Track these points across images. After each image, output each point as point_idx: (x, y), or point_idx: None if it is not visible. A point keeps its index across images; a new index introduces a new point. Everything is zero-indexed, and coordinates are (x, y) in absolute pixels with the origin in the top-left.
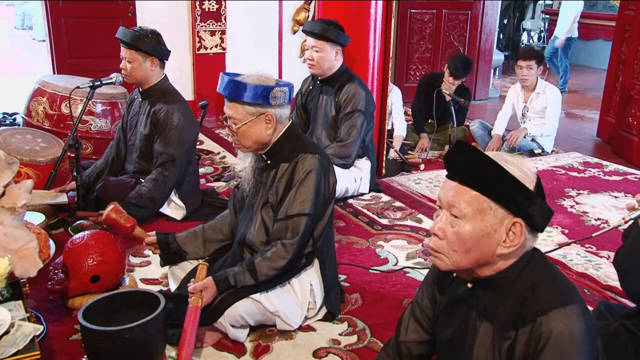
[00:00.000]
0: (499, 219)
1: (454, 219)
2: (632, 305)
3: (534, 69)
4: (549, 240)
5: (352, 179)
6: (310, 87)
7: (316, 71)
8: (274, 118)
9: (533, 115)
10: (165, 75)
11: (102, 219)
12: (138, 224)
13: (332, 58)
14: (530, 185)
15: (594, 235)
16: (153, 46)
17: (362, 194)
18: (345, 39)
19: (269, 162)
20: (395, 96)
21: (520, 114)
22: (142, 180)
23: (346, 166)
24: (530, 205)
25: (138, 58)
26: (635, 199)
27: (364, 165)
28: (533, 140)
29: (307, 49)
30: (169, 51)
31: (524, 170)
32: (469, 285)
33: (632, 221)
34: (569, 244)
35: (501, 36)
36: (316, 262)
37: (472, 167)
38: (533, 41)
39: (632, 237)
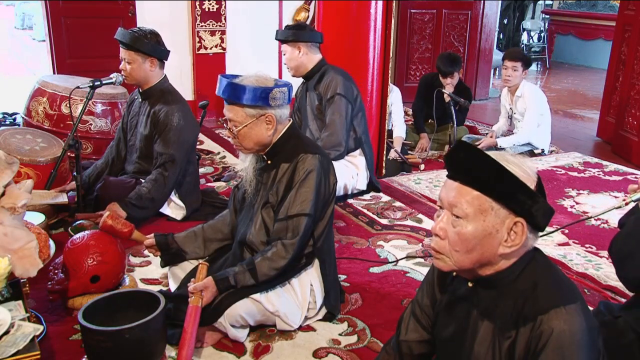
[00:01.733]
0: (500, 218)
1: (456, 219)
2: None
3: (519, 70)
4: (548, 240)
5: (350, 175)
6: (300, 89)
7: (290, 72)
8: (274, 119)
9: (520, 118)
10: (165, 75)
11: (99, 226)
12: (138, 224)
13: (295, 57)
14: (532, 185)
15: (597, 214)
16: (152, 46)
17: (362, 193)
18: (302, 36)
19: (269, 162)
20: (395, 97)
21: (509, 116)
22: (142, 181)
23: (340, 156)
24: (533, 204)
25: (137, 59)
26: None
27: (359, 162)
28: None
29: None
30: (169, 51)
31: (525, 169)
32: (470, 284)
33: (632, 203)
34: (579, 221)
35: (501, 36)
36: (316, 262)
37: (473, 167)
38: (533, 41)
39: (634, 222)
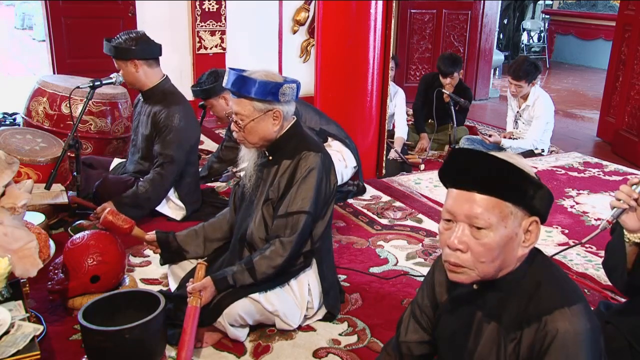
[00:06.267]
0: (518, 221)
1: (477, 231)
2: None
3: (524, 87)
4: (549, 240)
5: (336, 159)
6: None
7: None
8: (282, 114)
9: (525, 123)
10: (167, 76)
11: (99, 223)
12: (138, 224)
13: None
14: None
15: (583, 241)
16: (126, 50)
17: (358, 193)
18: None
19: (270, 158)
20: (399, 99)
21: (513, 119)
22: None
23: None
24: (543, 201)
25: (122, 65)
26: (615, 195)
27: (336, 145)
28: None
29: None
30: (151, 48)
31: (528, 170)
32: (475, 287)
33: (615, 220)
34: (563, 250)
35: (501, 36)
36: (314, 264)
37: (485, 173)
38: (533, 41)
39: (615, 238)
